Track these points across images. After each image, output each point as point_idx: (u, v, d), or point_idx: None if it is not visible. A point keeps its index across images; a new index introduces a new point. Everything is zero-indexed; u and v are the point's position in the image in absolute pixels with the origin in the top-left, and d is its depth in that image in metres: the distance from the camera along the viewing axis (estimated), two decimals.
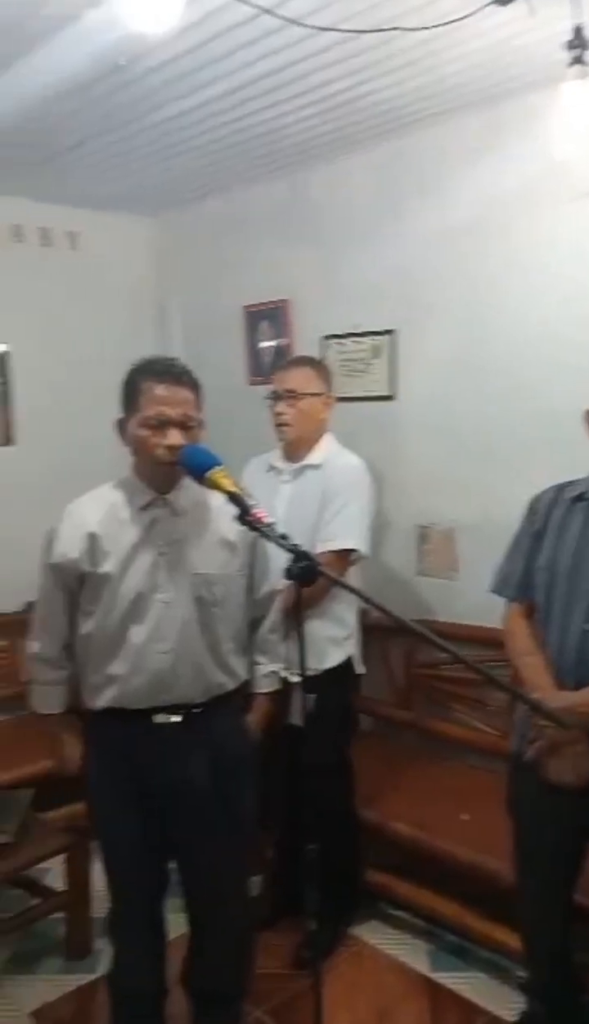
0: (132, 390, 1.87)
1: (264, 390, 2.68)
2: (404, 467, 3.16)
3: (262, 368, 3.72)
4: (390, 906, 2.79)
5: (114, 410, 1.93)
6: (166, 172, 3.40)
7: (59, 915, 2.65)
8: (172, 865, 2.05)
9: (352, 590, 1.70)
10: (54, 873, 2.79)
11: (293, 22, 2.07)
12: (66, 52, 2.19)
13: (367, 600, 1.58)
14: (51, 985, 2.51)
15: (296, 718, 2.41)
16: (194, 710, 1.92)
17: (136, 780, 1.92)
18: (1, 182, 3.44)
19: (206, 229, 3.94)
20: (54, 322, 3.80)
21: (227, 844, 2.01)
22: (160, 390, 1.82)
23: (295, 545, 1.61)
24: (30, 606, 3.57)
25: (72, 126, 2.83)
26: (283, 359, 3.32)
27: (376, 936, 2.70)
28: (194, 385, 1.88)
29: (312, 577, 1.58)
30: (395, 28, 2.15)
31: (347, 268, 3.33)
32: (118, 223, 3.98)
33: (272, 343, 3.70)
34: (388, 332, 3.20)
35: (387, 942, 2.68)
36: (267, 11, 2.02)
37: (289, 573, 1.57)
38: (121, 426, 1.91)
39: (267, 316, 3.70)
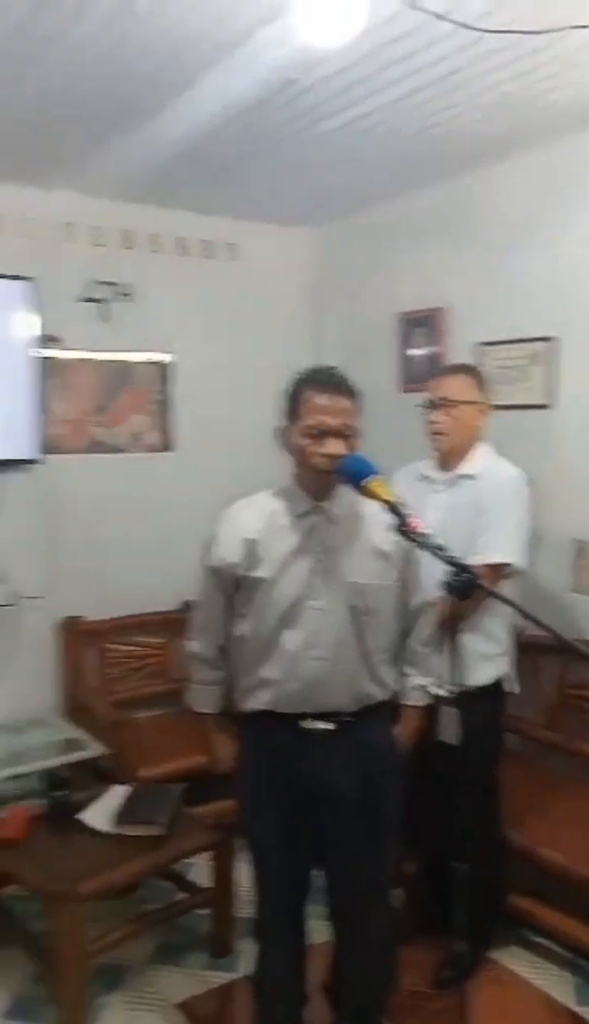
0: (294, 399, 1.90)
1: (416, 398, 2.65)
2: (559, 478, 3.05)
3: (414, 376, 3.69)
4: (532, 932, 2.70)
5: (269, 417, 1.96)
6: (325, 183, 3.44)
7: (204, 911, 2.71)
8: (317, 872, 2.06)
9: (515, 606, 1.65)
10: (198, 868, 2.86)
11: (464, 26, 2.05)
12: (239, 72, 2.26)
13: (527, 616, 1.53)
14: (195, 979, 2.56)
15: (445, 734, 2.36)
16: (345, 719, 1.92)
17: (286, 785, 1.94)
18: (168, 197, 3.58)
19: (362, 238, 3.95)
20: (214, 332, 3.92)
21: (372, 854, 1.99)
22: (321, 399, 1.85)
23: (454, 557, 1.58)
24: (185, 606, 3.73)
25: (240, 143, 2.92)
26: (437, 367, 3.29)
27: (517, 962, 2.61)
28: (354, 394, 1.89)
29: (471, 590, 1.55)
30: (569, 27, 2.08)
31: (506, 274, 3.25)
32: (277, 234, 4.06)
33: (425, 350, 3.67)
34: (548, 339, 3.10)
35: (529, 969, 2.59)
36: (439, 16, 2.00)
37: (449, 586, 1.54)
38: (282, 434, 1.94)
39: (422, 323, 3.67)
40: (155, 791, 2.76)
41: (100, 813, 2.62)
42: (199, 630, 2.10)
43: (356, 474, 1.78)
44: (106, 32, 2.13)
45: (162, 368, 3.83)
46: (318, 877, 2.06)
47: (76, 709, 3.49)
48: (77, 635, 3.57)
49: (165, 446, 3.86)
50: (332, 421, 1.83)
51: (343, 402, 1.85)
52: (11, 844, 2.53)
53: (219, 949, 2.65)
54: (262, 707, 1.94)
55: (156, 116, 2.58)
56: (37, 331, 3.38)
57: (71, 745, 3.20)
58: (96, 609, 3.61)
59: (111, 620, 3.65)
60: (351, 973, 2.12)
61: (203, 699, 2.13)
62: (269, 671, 1.92)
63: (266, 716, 1.94)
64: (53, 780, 2.74)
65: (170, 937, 2.74)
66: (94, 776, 3.12)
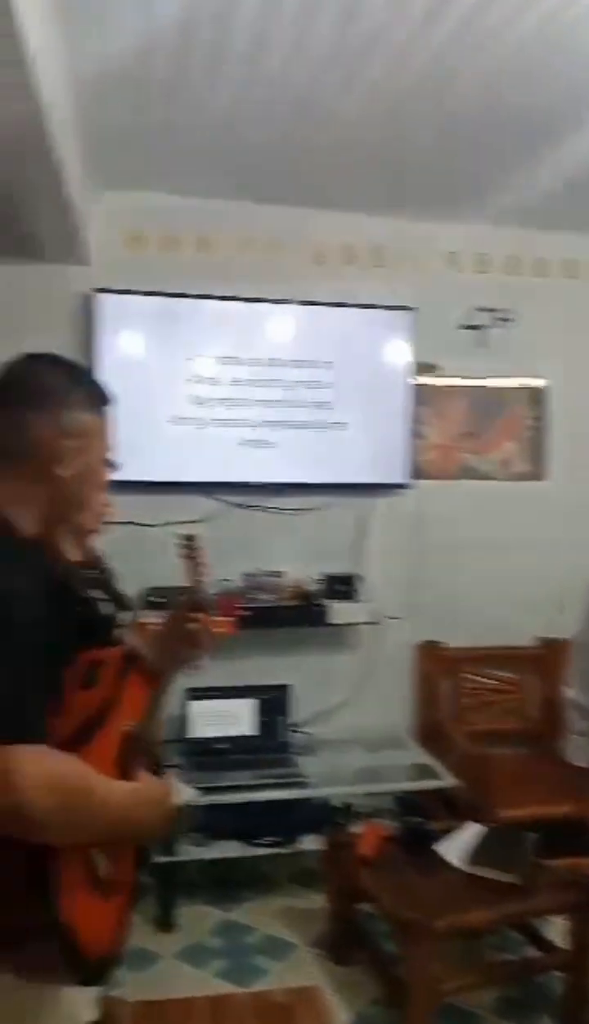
0: None
1: None
2: None
3: None
4: None
5: None
6: None
7: (555, 973, 2.54)
8: None
9: None
10: (552, 924, 2.68)
11: None
12: None
13: None
14: None
15: None
16: None
17: None
18: (555, 219, 3.46)
19: None
20: None
21: None
22: None
23: None
24: (543, 643, 3.58)
25: None
26: None
27: None
28: None
29: None
30: None
31: None
32: None
33: None
34: None
35: None
36: None
37: None
38: None
39: None
40: (510, 835, 2.63)
41: (455, 848, 2.57)
42: (577, 676, 1.98)
43: None
44: (523, 52, 2.10)
45: (537, 394, 3.71)
46: None
47: (429, 735, 3.48)
48: (435, 660, 3.57)
49: (536, 475, 3.73)
50: None
51: None
52: (365, 861, 2.57)
53: (571, 1019, 2.45)
54: None
55: (567, 137, 2.49)
56: (414, 358, 3.45)
57: (423, 771, 3.19)
58: (451, 635, 3.59)
59: (468, 649, 3.59)
60: None
61: (578, 751, 2.00)
62: None
63: None
64: (408, 805, 2.74)
65: (516, 992, 2.60)
66: (443, 806, 3.08)
